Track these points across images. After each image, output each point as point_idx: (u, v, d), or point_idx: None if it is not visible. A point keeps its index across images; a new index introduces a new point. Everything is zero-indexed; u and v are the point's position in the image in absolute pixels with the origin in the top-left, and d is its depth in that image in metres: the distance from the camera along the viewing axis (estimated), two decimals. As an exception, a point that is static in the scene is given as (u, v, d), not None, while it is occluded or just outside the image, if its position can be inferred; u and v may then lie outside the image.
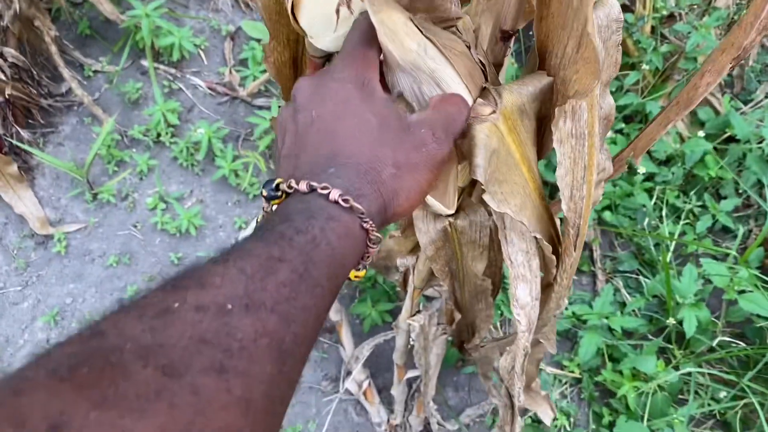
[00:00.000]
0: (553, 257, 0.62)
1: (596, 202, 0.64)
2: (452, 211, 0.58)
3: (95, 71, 2.08)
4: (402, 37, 0.47)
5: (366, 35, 0.49)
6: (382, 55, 0.51)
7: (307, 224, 0.39)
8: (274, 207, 0.45)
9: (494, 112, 0.51)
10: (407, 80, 0.51)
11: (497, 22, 0.57)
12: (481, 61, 0.52)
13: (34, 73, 1.94)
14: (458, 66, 0.50)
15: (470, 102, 0.51)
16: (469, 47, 0.52)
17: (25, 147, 1.89)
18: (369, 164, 0.44)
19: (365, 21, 0.49)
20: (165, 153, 1.99)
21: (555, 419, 1.61)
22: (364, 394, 1.61)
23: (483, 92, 0.52)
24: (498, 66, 0.61)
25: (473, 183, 0.74)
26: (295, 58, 0.73)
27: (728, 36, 0.57)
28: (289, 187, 0.43)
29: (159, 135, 1.97)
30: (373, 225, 0.43)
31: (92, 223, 1.89)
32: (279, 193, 0.44)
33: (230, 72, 2.06)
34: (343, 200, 0.41)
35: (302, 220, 0.40)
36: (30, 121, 1.97)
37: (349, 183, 0.42)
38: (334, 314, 1.48)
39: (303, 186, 0.42)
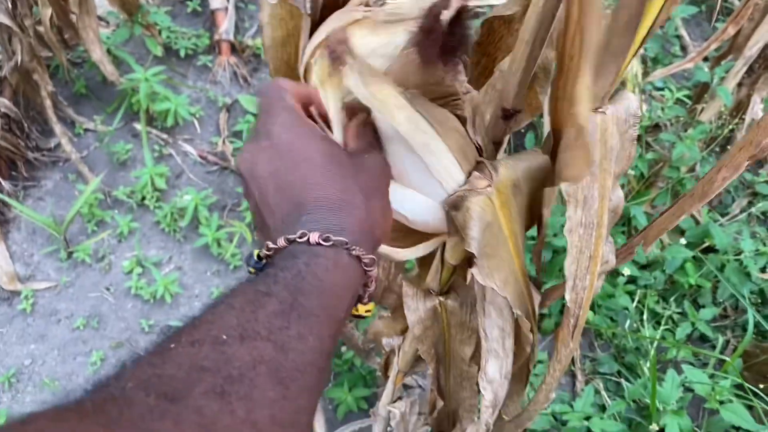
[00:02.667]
0: (530, 335, 0.61)
1: (596, 292, 0.63)
2: (404, 257, 0.58)
3: (86, 129, 2.07)
4: (392, 109, 0.47)
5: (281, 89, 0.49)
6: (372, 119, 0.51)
7: (290, 263, 0.40)
8: None
9: (489, 185, 0.51)
10: (398, 154, 0.51)
11: (499, 101, 0.58)
12: (477, 140, 0.53)
13: (25, 125, 1.93)
14: (449, 140, 0.50)
15: (462, 178, 0.51)
16: (464, 123, 0.53)
17: (4, 197, 1.84)
18: (339, 201, 0.44)
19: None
20: (148, 217, 1.96)
21: None
22: (333, 484, 1.53)
23: (479, 166, 0.53)
24: (498, 144, 0.62)
25: (467, 263, 0.73)
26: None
27: (747, 134, 0.59)
28: (268, 249, 0.43)
29: (144, 198, 1.95)
30: (363, 250, 0.43)
31: (63, 282, 1.83)
32: (262, 262, 0.44)
33: (224, 142, 2.06)
34: (323, 239, 0.41)
35: (286, 261, 0.40)
36: (13, 173, 1.94)
37: (327, 223, 0.43)
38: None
39: (281, 242, 0.42)
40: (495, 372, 0.66)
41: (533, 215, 0.60)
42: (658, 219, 0.69)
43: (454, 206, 0.52)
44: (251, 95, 2.19)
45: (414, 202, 0.54)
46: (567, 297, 0.59)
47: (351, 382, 1.65)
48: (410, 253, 0.58)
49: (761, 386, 1.52)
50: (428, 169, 0.51)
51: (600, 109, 0.57)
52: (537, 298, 0.62)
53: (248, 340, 0.34)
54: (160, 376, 0.31)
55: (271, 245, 0.42)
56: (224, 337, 0.33)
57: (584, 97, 0.45)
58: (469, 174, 0.52)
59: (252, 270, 0.45)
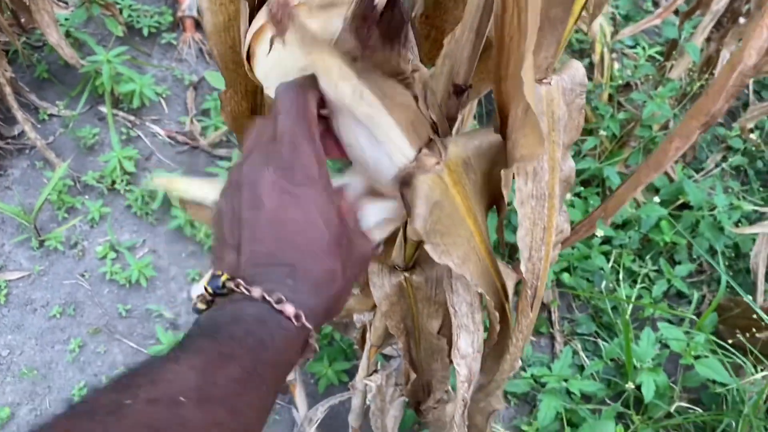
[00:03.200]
0: (496, 313, 0.61)
1: (553, 262, 0.63)
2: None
3: (50, 115, 2.03)
4: (336, 79, 0.46)
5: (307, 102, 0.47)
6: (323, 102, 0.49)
7: (257, 328, 0.40)
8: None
9: (438, 163, 0.50)
10: (347, 125, 0.49)
11: (450, 76, 0.57)
12: (431, 115, 0.51)
13: (-15, 114, 1.88)
14: (397, 115, 0.48)
15: (412, 154, 0.50)
16: (416, 99, 0.52)
17: (-30, 189, 1.81)
18: (323, 281, 0.45)
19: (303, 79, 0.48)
20: (119, 201, 1.93)
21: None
22: (317, 458, 1.54)
23: (429, 144, 0.51)
24: (451, 120, 0.61)
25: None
26: (253, 108, 0.71)
27: (696, 103, 0.58)
28: (237, 286, 0.42)
29: (114, 182, 1.92)
30: (318, 337, 0.46)
31: (37, 271, 1.80)
32: (225, 291, 0.43)
33: (192, 121, 2.03)
34: (295, 317, 0.41)
35: (253, 322, 0.40)
36: (-23, 163, 1.90)
37: (305, 299, 0.42)
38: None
39: (256, 293, 0.41)
40: (467, 347, 0.66)
41: (493, 194, 0.59)
42: (617, 192, 0.69)
43: (403, 183, 0.51)
44: (218, 71, 2.14)
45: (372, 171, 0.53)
46: (523, 268, 0.58)
47: (331, 356, 1.65)
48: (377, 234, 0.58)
49: (730, 341, 1.54)
50: (377, 143, 0.50)
51: (545, 81, 0.56)
52: (512, 276, 0.61)
53: (205, 403, 0.35)
54: None
55: (243, 287, 0.42)
56: (182, 399, 0.34)
57: (528, 77, 0.44)
58: (419, 151, 0.51)
59: (210, 291, 0.44)
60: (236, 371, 0.37)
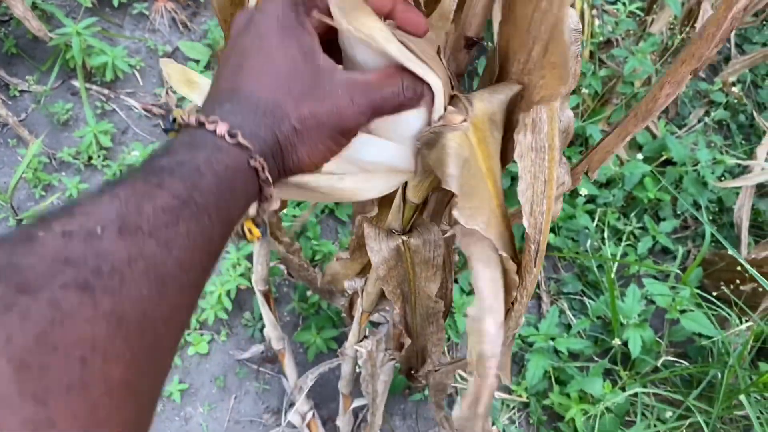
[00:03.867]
0: (516, 278, 0.59)
1: (555, 216, 0.61)
2: (366, 196, 0.55)
3: (21, 91, 1.97)
4: (382, 43, 0.44)
5: None
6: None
7: (190, 155, 0.37)
8: None
9: (465, 120, 0.48)
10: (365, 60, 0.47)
11: (462, 29, 0.54)
12: (450, 69, 0.50)
13: (-46, 92, 1.83)
14: (439, 72, 0.47)
15: (442, 106, 0.47)
16: (439, 53, 0.50)
17: (-58, 170, 1.77)
18: (267, 108, 0.41)
19: None
20: (96, 176, 1.89)
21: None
22: (308, 426, 1.54)
23: (453, 100, 0.49)
24: (459, 76, 0.59)
25: (425, 202, 0.70)
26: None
27: (689, 47, 0.56)
28: (182, 119, 0.40)
29: (90, 158, 1.88)
30: (263, 163, 0.40)
31: (16, 250, 1.77)
32: (176, 126, 0.41)
33: (167, 93, 1.98)
34: (230, 135, 0.39)
35: (185, 151, 0.37)
36: (-52, 142, 1.85)
37: (242, 120, 0.40)
38: (276, 342, 1.42)
39: (192, 120, 0.39)
40: (492, 328, 0.63)
41: (507, 150, 0.57)
42: (603, 141, 0.67)
43: (427, 144, 0.49)
44: (192, 41, 2.10)
45: (376, 146, 0.50)
46: (525, 223, 0.56)
47: (319, 324, 1.65)
48: (374, 192, 0.55)
49: (714, 294, 1.56)
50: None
51: None
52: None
53: (127, 234, 0.31)
54: (16, 265, 0.27)
55: (184, 118, 0.40)
56: (98, 230, 0.30)
57: (564, 6, 0.41)
58: (445, 108, 0.49)
59: (163, 127, 0.42)
60: (166, 199, 0.33)
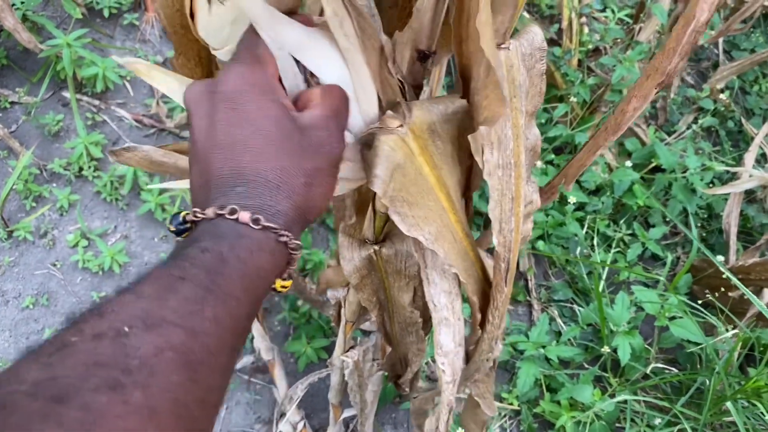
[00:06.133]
0: (475, 299, 0.59)
1: (526, 237, 0.61)
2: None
3: (12, 103, 1.98)
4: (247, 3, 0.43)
5: (257, 38, 0.45)
6: None
7: (213, 244, 0.38)
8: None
9: (402, 125, 0.48)
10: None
11: (414, 42, 0.55)
12: (399, 79, 0.50)
13: (-56, 104, 1.83)
14: (370, 59, 0.47)
15: (377, 112, 0.48)
16: (387, 61, 0.50)
17: (-68, 182, 1.77)
18: (279, 179, 0.42)
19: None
20: (87, 187, 1.90)
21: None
22: (299, 435, 1.54)
23: (394, 106, 0.50)
24: (417, 87, 0.59)
25: None
26: (209, 76, 0.69)
27: (652, 62, 0.57)
28: (195, 215, 0.40)
29: (81, 169, 1.88)
30: (291, 235, 0.41)
31: (7, 262, 1.77)
32: (187, 225, 0.42)
33: (158, 103, 1.99)
34: (253, 221, 0.39)
35: (209, 240, 0.38)
36: (-62, 154, 1.85)
37: (261, 201, 0.41)
38: (266, 353, 1.42)
39: (210, 213, 0.40)
40: (449, 341, 0.62)
41: (466, 168, 0.57)
42: (576, 156, 0.68)
43: (365, 144, 0.50)
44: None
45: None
46: (495, 241, 0.57)
47: (309, 333, 1.65)
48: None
49: (699, 301, 1.56)
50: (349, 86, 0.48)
51: (503, 46, 0.54)
52: (491, 264, 0.59)
53: (154, 328, 0.32)
54: (54, 378, 0.29)
55: (199, 213, 0.40)
56: (126, 329, 0.32)
57: (487, 31, 0.42)
58: (384, 112, 0.50)
59: (172, 229, 0.43)
60: (189, 290, 0.35)
